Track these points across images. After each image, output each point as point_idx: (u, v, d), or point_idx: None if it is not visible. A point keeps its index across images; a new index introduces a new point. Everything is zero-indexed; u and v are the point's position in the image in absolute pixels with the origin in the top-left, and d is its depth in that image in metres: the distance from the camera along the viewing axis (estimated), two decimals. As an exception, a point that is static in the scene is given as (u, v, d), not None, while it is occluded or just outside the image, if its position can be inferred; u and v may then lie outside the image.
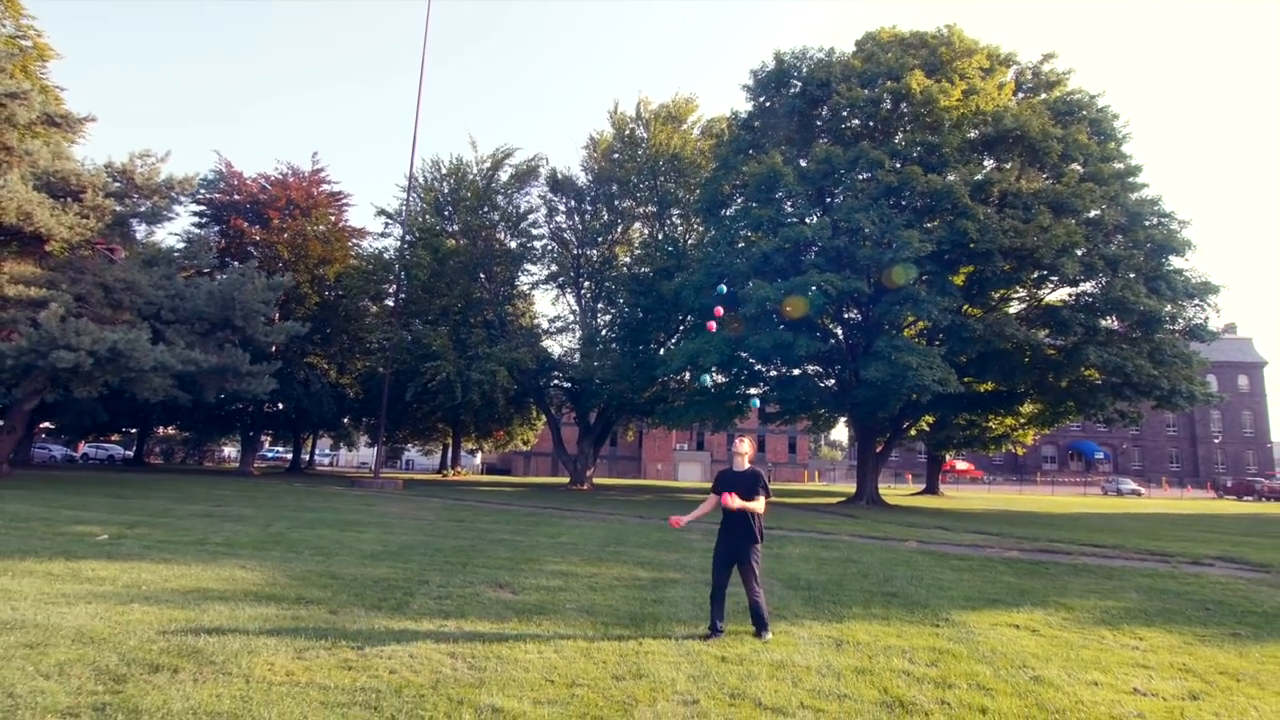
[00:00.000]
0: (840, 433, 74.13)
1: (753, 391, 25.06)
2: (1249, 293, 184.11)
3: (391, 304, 31.43)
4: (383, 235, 36.48)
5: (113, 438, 61.77)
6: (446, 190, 33.45)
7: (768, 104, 25.24)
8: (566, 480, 38.73)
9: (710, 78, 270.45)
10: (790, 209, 21.47)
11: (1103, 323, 21.10)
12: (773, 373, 24.90)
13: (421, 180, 34.43)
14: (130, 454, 53.39)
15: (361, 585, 6.80)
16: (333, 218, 41.87)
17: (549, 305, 49.50)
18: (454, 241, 30.93)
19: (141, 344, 15.19)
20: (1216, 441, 70.94)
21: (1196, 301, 21.38)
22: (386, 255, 34.40)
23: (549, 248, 34.64)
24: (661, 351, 29.27)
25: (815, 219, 19.86)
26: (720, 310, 10.11)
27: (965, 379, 20.35)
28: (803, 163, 23.43)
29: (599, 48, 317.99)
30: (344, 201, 43.54)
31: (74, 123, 20.20)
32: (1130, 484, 53.68)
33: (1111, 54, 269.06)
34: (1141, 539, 14.65)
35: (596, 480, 39.07)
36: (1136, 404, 24.07)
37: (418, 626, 5.27)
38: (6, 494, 15.14)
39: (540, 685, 4.03)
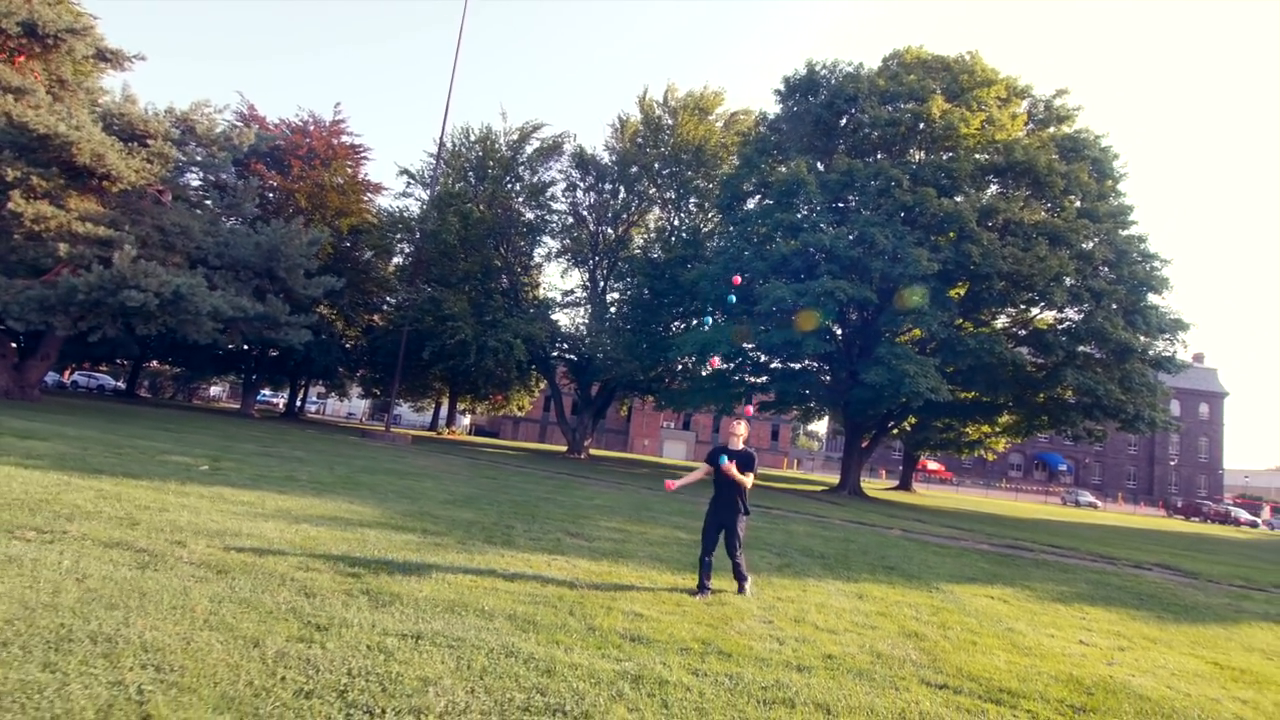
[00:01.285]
0: (819, 424, 76.24)
1: (757, 381, 26.67)
2: (1221, 326, 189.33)
3: (413, 263, 32.32)
4: (404, 195, 37.17)
5: (102, 368, 62.01)
6: (474, 158, 34.30)
7: (795, 109, 26.47)
8: (562, 449, 40.31)
9: (732, 72, 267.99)
10: (808, 213, 22.87)
11: (1082, 348, 22.91)
12: (775, 365, 26.54)
13: (450, 145, 35.22)
14: (122, 385, 53.95)
15: (462, 524, 8.26)
16: (350, 169, 42.51)
17: (559, 278, 51.23)
18: (479, 209, 31.89)
19: (201, 289, 16.26)
20: (1172, 464, 74.30)
21: (1167, 336, 23.29)
22: (408, 214, 35.22)
23: (567, 222, 35.71)
24: (671, 333, 30.70)
25: (831, 228, 21.26)
26: (737, 279, 11.55)
27: (953, 387, 22.09)
28: (821, 166, 24.81)
29: (628, 33, 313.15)
30: (363, 155, 44.17)
31: (123, 59, 20.97)
32: (1088, 496, 56.52)
33: (1106, 86, 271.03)
34: (1094, 544, 16.58)
35: (590, 451, 40.59)
36: (1103, 424, 26.07)
37: (533, 558, 6.74)
38: (59, 420, 16.24)
39: (655, 603, 5.52)
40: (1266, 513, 57.24)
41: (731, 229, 25.91)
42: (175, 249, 17.54)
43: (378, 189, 44.95)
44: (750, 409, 6.09)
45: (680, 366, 30.59)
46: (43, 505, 6.20)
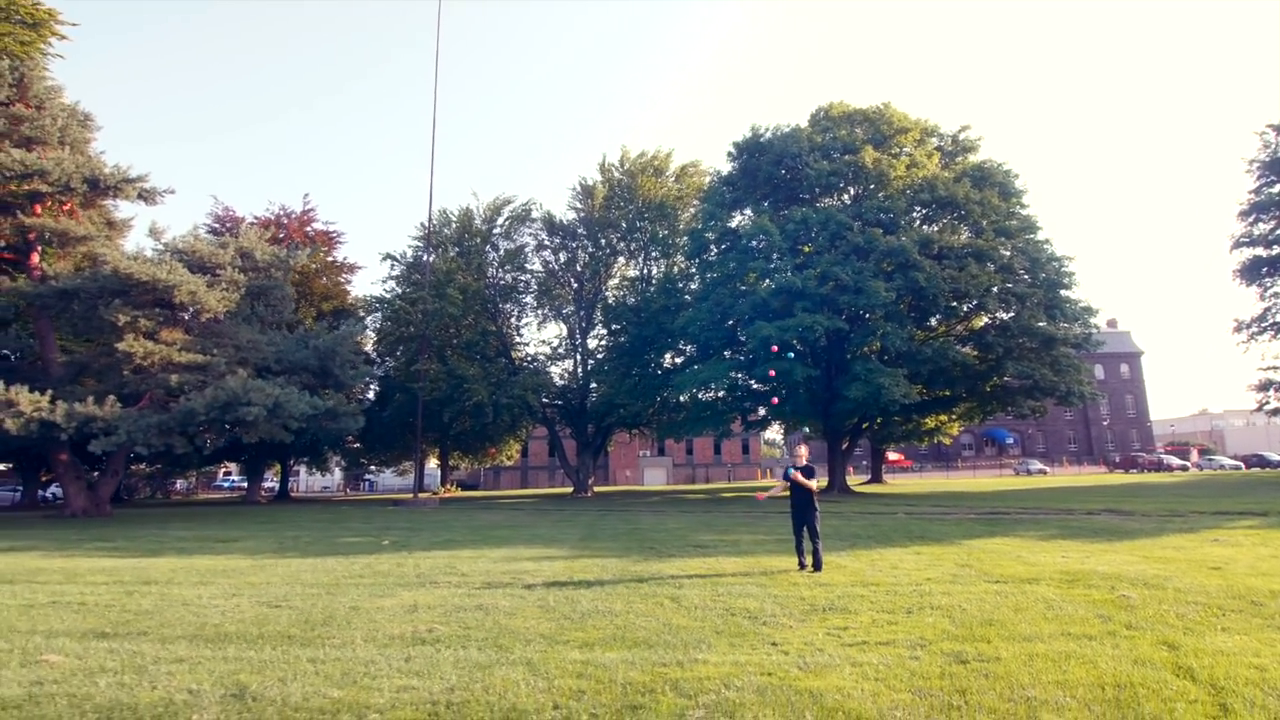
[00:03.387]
0: (773, 433, 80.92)
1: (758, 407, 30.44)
2: (1130, 288, 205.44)
3: (419, 339, 34.58)
4: (391, 278, 39.57)
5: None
6: (455, 235, 37.28)
7: (747, 165, 30.54)
8: (561, 490, 42.87)
9: (678, 124, 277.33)
10: (778, 259, 26.76)
11: (1016, 341, 27.35)
12: (762, 389, 30.24)
13: (430, 226, 38.05)
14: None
15: (623, 548, 11.24)
16: (325, 254, 44.65)
17: (542, 333, 53.61)
18: (470, 280, 34.76)
19: (294, 396, 18.67)
20: (1105, 424, 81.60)
21: (1081, 323, 28.02)
22: (402, 295, 37.62)
23: (544, 282, 38.87)
24: (659, 372, 34.06)
25: (792, 272, 25.13)
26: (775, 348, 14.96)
27: (918, 390, 26.10)
28: (779, 215, 28.85)
29: (585, 97, 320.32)
30: (337, 238, 46.40)
31: (156, 195, 23.24)
32: (1037, 464, 62.06)
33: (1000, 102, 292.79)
34: (1053, 502, 20.59)
35: (594, 489, 43.24)
36: (1042, 401, 30.64)
37: (714, 560, 9.82)
38: (162, 529, 18.35)
39: (793, 574, 8.70)
40: (1194, 455, 64.54)
41: (709, 275, 29.61)
42: (248, 362, 19.83)
43: (353, 269, 47.29)
44: (804, 450, 8.60)
45: (675, 401, 33.92)
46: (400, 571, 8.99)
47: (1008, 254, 27.53)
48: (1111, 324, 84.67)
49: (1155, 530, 12.59)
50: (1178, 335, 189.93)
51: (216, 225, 41.13)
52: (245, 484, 79.07)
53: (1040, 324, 25.87)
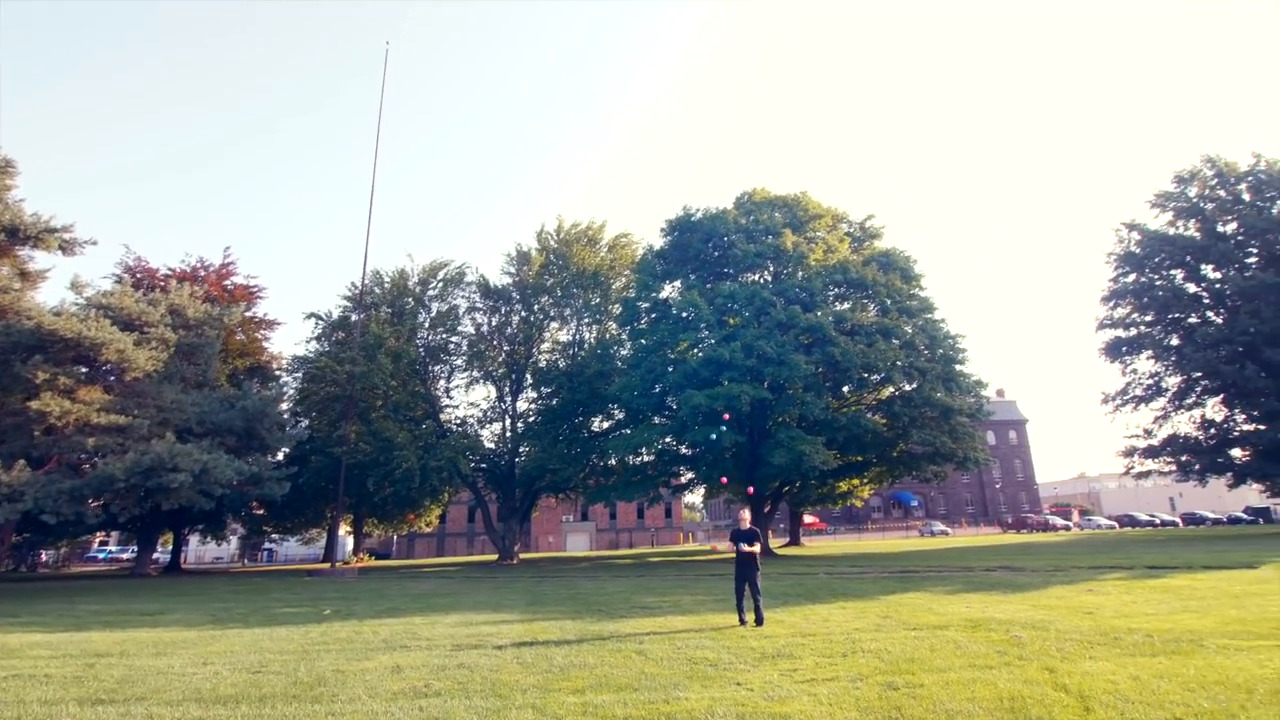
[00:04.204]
0: (694, 497, 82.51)
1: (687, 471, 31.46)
2: (1014, 361, 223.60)
3: (345, 402, 33.78)
4: (315, 337, 38.80)
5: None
6: (389, 297, 37.24)
7: (678, 241, 32.56)
8: (484, 558, 41.94)
9: (596, 191, 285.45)
10: (706, 332, 28.48)
11: (918, 411, 29.88)
12: (688, 452, 31.39)
13: (359, 287, 37.84)
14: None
15: (573, 610, 11.76)
16: (244, 309, 43.20)
17: (470, 395, 52.67)
18: (400, 344, 34.64)
19: (221, 462, 18.11)
20: (998, 486, 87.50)
21: (973, 395, 30.99)
22: (317, 354, 36.88)
23: (475, 344, 39.14)
24: (588, 436, 34.70)
25: (719, 343, 26.88)
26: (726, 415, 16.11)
27: (834, 455, 27.94)
28: (709, 288, 30.77)
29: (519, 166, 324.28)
30: (257, 294, 44.98)
31: (76, 245, 22.49)
32: (940, 525, 65.86)
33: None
34: (956, 561, 22.41)
35: (519, 556, 42.57)
36: (944, 466, 33.25)
37: (646, 621, 10.52)
38: (68, 603, 17.20)
39: (736, 629, 9.58)
40: (1075, 516, 70.65)
41: (641, 342, 30.95)
42: (170, 423, 19.13)
43: (272, 325, 45.78)
44: (746, 514, 9.48)
45: (605, 465, 34.49)
46: (354, 640, 9.19)
47: (910, 331, 30.37)
48: (1000, 394, 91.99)
49: (1042, 583, 14.28)
50: (1058, 404, 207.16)
51: (126, 276, 39.33)
52: (123, 555, 72.82)
53: (939, 395, 28.52)
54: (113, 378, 19.01)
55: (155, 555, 54.26)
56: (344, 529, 64.90)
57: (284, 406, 41.34)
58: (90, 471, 16.81)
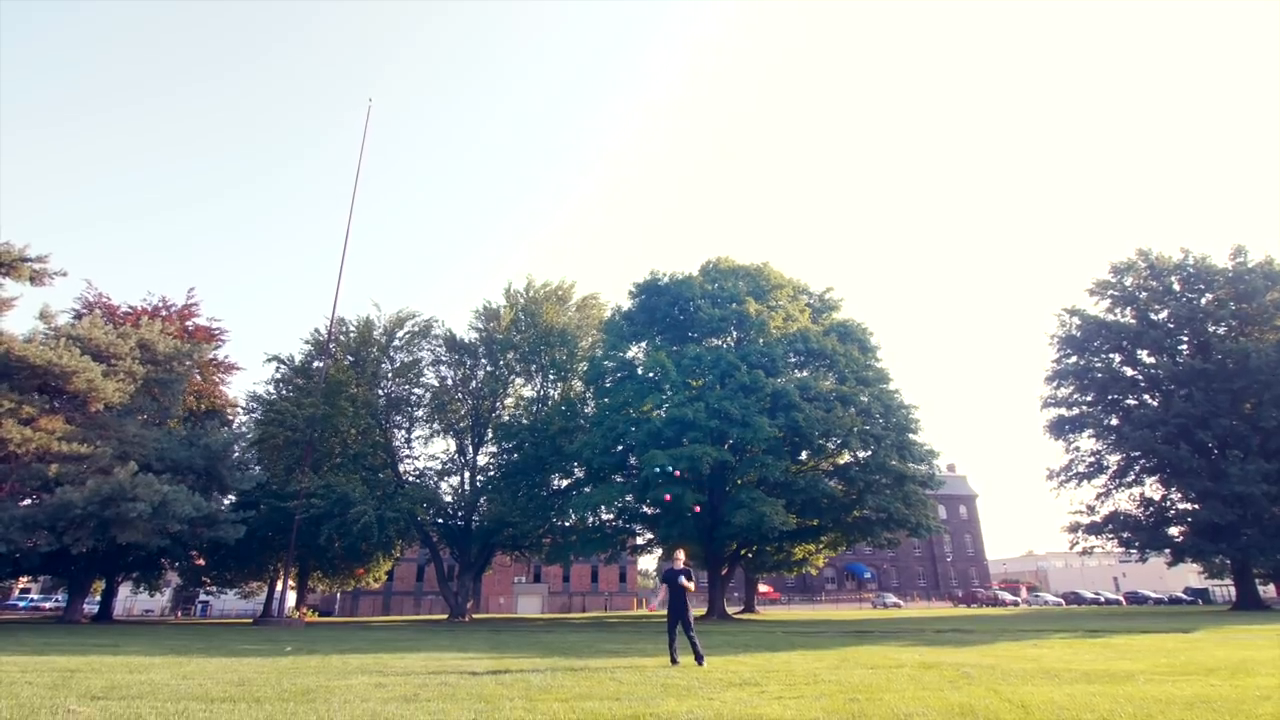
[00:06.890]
0: (646, 562, 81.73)
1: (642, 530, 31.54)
2: (963, 437, 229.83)
3: (303, 448, 33.18)
4: (275, 380, 38.32)
5: None
6: (353, 345, 37.22)
7: (646, 303, 33.68)
8: (437, 616, 40.65)
9: (561, 249, 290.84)
10: (671, 392, 29.28)
11: (873, 477, 30.88)
12: (651, 513, 31.59)
13: (323, 334, 37.80)
14: None
15: (541, 651, 11.89)
16: (206, 351, 42.48)
17: (430, 447, 51.63)
18: (362, 391, 34.51)
19: (181, 496, 17.74)
20: (949, 560, 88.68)
21: (926, 463, 32.20)
22: (275, 397, 36.34)
23: (440, 399, 39.11)
24: (546, 494, 34.63)
25: (684, 404, 27.66)
26: (679, 474, 16.69)
27: (793, 517, 28.57)
28: (675, 350, 31.74)
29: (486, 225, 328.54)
30: (219, 336, 44.32)
31: (46, 276, 22.35)
32: (892, 598, 66.30)
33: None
34: (909, 626, 22.91)
35: (472, 615, 41.39)
36: (896, 533, 34.07)
37: (630, 660, 10.76)
38: (12, 639, 16.42)
39: (688, 667, 9.94)
40: (1024, 592, 72.26)
41: (605, 401, 31.52)
42: (130, 457, 18.73)
43: (231, 369, 44.96)
44: (681, 554, 9.88)
45: (563, 525, 34.35)
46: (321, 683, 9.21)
47: (866, 400, 31.67)
48: (951, 468, 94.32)
49: (991, 640, 14.93)
50: (1006, 481, 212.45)
51: (84, 311, 38.56)
52: (45, 604, 68.11)
53: (893, 462, 29.60)
54: (75, 409, 18.69)
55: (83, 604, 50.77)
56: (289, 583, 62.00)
57: (237, 449, 40.44)
58: (47, 499, 16.32)
